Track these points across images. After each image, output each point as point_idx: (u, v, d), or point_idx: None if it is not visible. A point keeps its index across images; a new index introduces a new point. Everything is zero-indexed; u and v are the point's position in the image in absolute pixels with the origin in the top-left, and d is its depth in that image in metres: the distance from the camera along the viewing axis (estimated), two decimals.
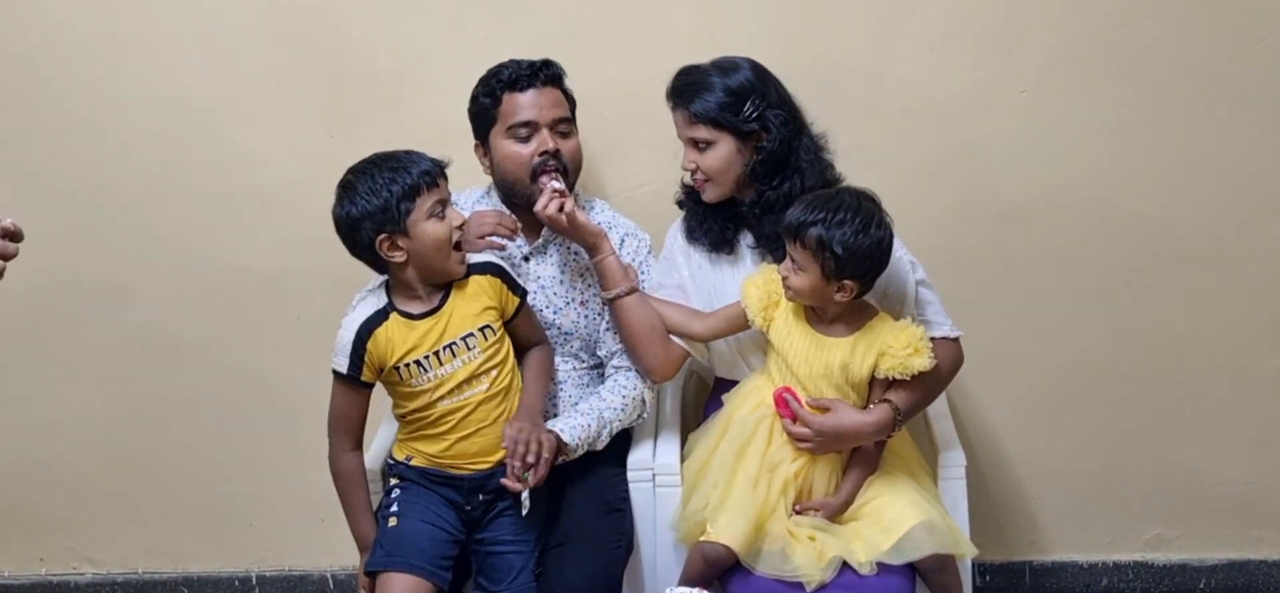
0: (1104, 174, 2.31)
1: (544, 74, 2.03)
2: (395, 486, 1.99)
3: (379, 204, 1.81)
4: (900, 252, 1.95)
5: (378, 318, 1.89)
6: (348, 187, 1.85)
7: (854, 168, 1.99)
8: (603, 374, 2.15)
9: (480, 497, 1.95)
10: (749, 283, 1.96)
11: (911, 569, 1.86)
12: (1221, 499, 2.45)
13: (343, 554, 2.65)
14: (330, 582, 2.69)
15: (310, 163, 2.43)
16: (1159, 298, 2.36)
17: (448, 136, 2.26)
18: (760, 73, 1.98)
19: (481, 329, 1.91)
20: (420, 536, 1.90)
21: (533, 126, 2.02)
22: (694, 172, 1.98)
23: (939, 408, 2.15)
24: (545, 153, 2.02)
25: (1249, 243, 2.32)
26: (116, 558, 2.73)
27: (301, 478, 2.60)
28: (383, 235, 1.84)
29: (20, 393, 2.62)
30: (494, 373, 1.92)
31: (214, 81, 2.38)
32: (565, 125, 2.06)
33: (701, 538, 1.88)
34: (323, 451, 2.53)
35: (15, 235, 1.50)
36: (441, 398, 1.90)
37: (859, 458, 1.92)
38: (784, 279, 1.88)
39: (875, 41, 2.28)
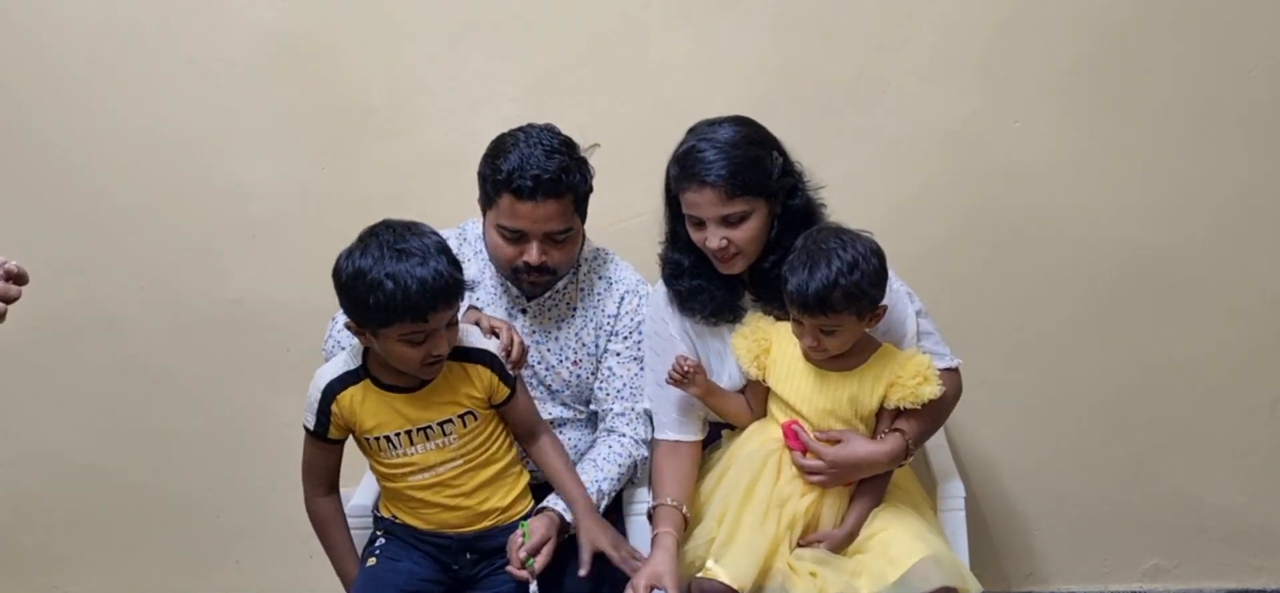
0: (1097, 202, 2.31)
1: (548, 189, 1.85)
2: (380, 535, 1.94)
3: (356, 299, 1.67)
4: (898, 284, 1.94)
5: (348, 379, 1.80)
6: (361, 250, 1.69)
7: (847, 199, 1.98)
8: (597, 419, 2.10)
9: (468, 555, 1.90)
10: (737, 337, 1.93)
11: None
12: (1219, 529, 2.44)
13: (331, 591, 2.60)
14: None
15: (301, 195, 2.41)
16: (1154, 325, 2.36)
17: (439, 168, 2.25)
18: (756, 125, 1.91)
19: (462, 416, 1.82)
20: (398, 575, 1.85)
21: (522, 235, 1.91)
22: (725, 248, 1.85)
23: (937, 439, 2.13)
24: (526, 263, 1.92)
25: (1243, 270, 2.33)
26: None
27: (289, 513, 2.52)
28: (351, 322, 1.73)
29: (4, 427, 2.57)
30: (470, 455, 1.85)
31: (205, 114, 2.36)
32: (562, 234, 1.92)
33: (698, 574, 1.86)
34: None
35: (20, 278, 1.45)
36: (411, 474, 1.83)
37: (865, 489, 1.90)
38: (813, 348, 1.82)
39: (868, 72, 2.29)
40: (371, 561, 1.89)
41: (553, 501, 1.91)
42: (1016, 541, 2.49)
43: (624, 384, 2.05)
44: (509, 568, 1.81)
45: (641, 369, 2.06)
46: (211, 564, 2.65)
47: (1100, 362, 2.39)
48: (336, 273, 1.71)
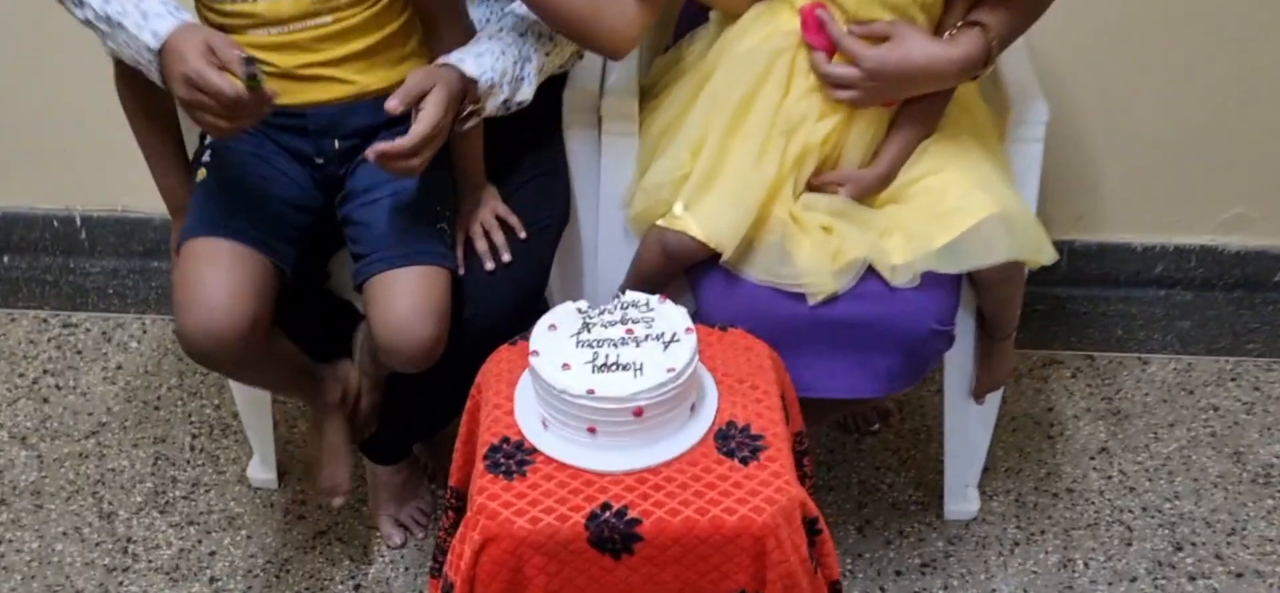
0: None
1: None
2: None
3: None
4: None
5: None
6: None
7: None
8: None
9: (336, 145, 1.32)
10: None
11: (958, 279, 1.31)
12: None
13: None
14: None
15: None
16: None
17: None
18: None
19: None
20: (246, 192, 1.31)
21: None
22: None
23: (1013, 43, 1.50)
24: None
25: None
26: None
27: None
28: None
29: None
30: (341, 12, 1.25)
31: None
32: None
33: (661, 222, 1.30)
34: None
35: None
36: (250, 28, 1.25)
37: (913, 113, 1.30)
38: None
39: None
40: (201, 174, 1.34)
41: (448, 57, 1.26)
42: (1070, 178, 1.95)
43: None
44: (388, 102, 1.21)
45: None
46: (43, 160, 2.08)
47: None
48: None
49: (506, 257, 1.30)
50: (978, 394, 1.50)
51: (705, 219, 1.26)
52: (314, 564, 1.57)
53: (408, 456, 1.58)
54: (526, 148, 1.41)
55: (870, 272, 1.26)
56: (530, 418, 1.12)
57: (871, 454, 1.74)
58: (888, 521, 1.63)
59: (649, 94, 1.40)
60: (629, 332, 1.12)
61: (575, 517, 1.03)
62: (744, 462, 1.08)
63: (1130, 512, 1.64)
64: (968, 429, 1.56)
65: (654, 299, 1.16)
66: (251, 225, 1.28)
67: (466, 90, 1.24)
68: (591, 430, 1.07)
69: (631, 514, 1.03)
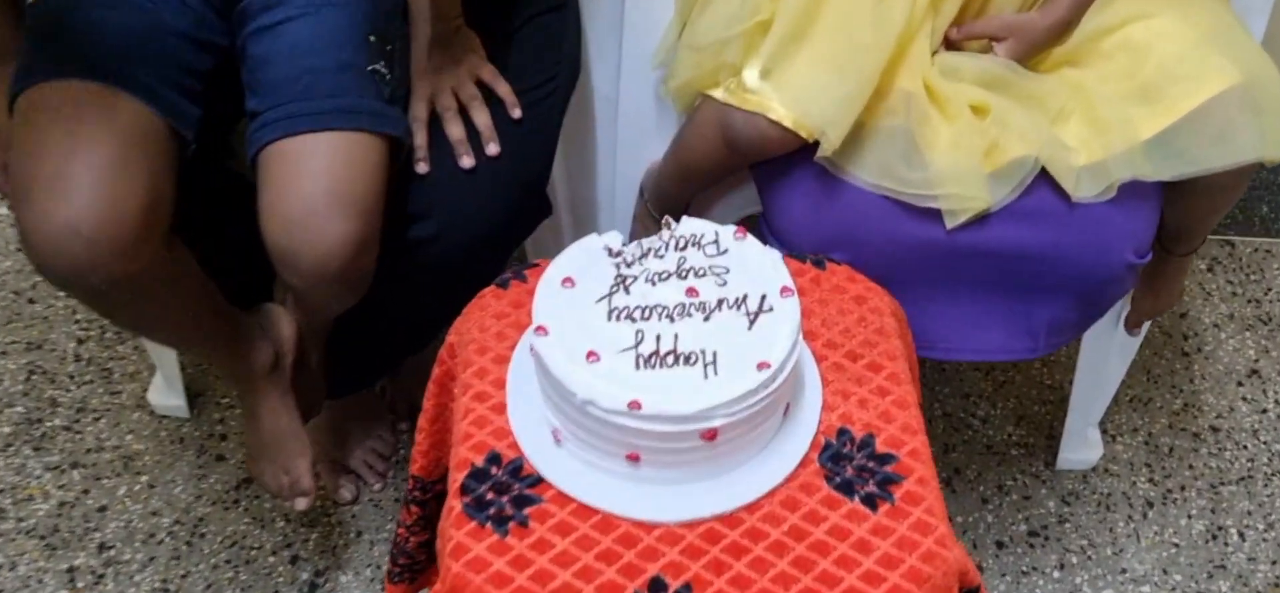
0: None
1: None
2: None
3: None
4: None
5: None
6: None
7: None
8: None
9: None
10: None
11: (1161, 187, 0.89)
12: None
13: None
14: None
15: None
16: None
17: None
18: None
19: None
20: (116, 13, 0.85)
21: None
22: None
23: None
24: None
25: None
26: None
27: None
28: None
29: None
30: None
31: None
32: None
33: (723, 96, 0.86)
34: None
35: None
36: None
37: None
38: None
39: None
40: None
41: None
42: None
43: None
44: None
45: None
46: None
47: None
48: None
49: (494, 148, 0.86)
50: (1133, 321, 1.11)
51: (794, 94, 0.82)
52: (237, 525, 1.19)
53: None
54: None
55: (1041, 176, 0.84)
56: (533, 425, 0.71)
57: (959, 378, 1.36)
58: (983, 470, 1.26)
59: None
60: (691, 293, 0.70)
61: None
62: (870, 504, 0.69)
63: None
64: (1105, 362, 1.17)
65: (727, 232, 0.74)
66: (130, 64, 0.82)
67: None
68: (633, 458, 0.67)
69: None
